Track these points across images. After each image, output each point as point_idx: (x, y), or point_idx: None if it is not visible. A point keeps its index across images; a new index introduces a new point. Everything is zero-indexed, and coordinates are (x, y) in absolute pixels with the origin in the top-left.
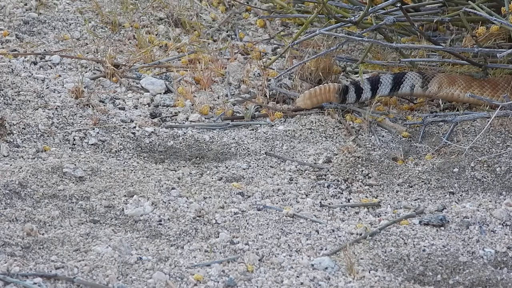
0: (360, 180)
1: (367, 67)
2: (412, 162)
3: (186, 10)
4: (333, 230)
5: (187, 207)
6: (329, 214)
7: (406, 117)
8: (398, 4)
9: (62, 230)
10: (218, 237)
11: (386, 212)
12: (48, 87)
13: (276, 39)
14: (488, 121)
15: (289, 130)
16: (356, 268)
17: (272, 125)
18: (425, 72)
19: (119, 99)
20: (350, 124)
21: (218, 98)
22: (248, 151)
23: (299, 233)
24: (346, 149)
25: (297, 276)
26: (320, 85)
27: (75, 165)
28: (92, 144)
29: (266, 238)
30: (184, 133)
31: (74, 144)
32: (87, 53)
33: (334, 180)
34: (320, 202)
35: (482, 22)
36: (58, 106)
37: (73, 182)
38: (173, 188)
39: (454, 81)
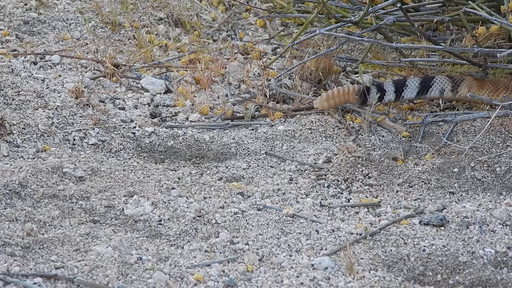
0: (360, 180)
1: (367, 67)
2: (412, 162)
3: (186, 10)
4: (333, 230)
5: (187, 207)
6: (329, 214)
7: (406, 117)
8: (398, 4)
9: (62, 230)
10: (218, 237)
11: (386, 212)
12: (48, 87)
13: (276, 39)
14: (488, 121)
15: (289, 130)
16: (356, 268)
17: (272, 125)
18: (454, 76)
19: (119, 99)
20: (350, 124)
21: (218, 98)
22: (248, 151)
23: (299, 233)
24: (346, 149)
25: (297, 276)
26: (339, 87)
27: (75, 165)
28: (92, 144)
29: (266, 238)
30: (184, 133)
31: (74, 144)
32: (87, 53)
33: (334, 180)
34: (320, 202)
35: (482, 22)
36: (58, 106)
37: (73, 182)
38: (173, 188)
39: (482, 84)
